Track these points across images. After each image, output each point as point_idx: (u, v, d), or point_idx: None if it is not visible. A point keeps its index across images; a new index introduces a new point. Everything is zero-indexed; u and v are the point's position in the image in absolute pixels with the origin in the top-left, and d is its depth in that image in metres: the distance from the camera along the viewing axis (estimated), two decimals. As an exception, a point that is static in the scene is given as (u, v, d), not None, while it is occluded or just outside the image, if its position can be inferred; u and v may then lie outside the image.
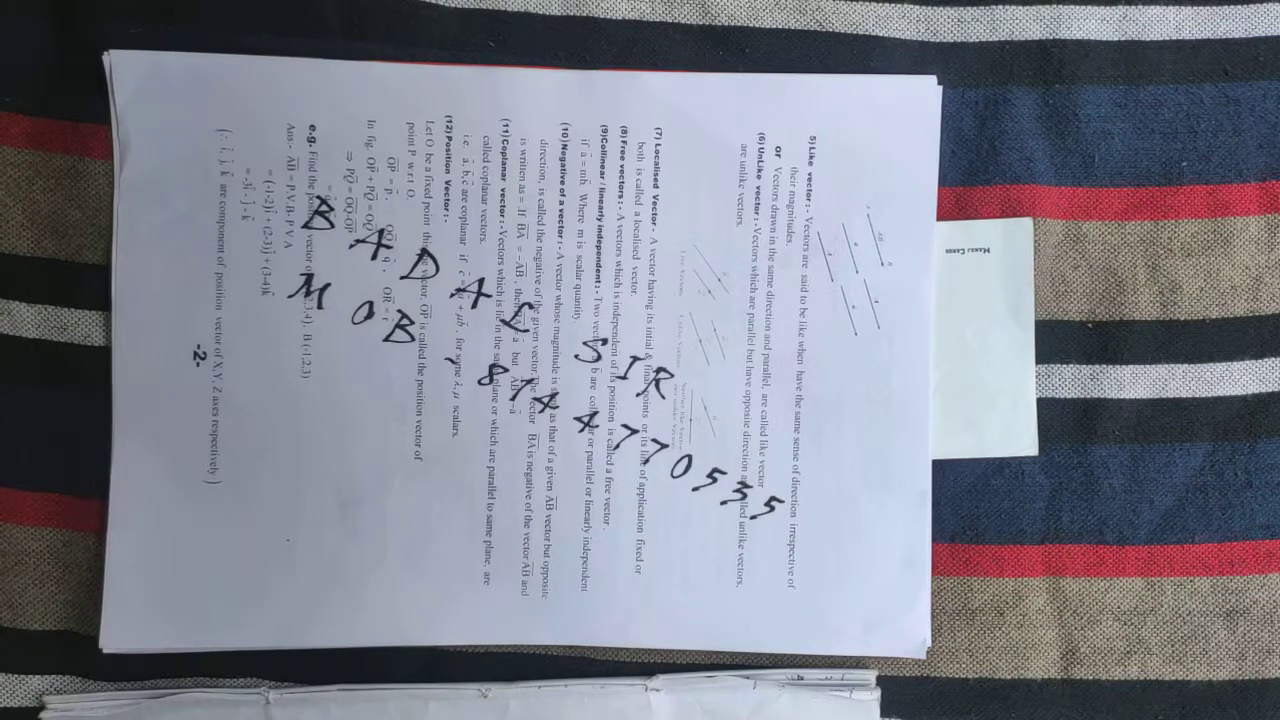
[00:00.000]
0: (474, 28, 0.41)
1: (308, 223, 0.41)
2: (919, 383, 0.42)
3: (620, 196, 0.42)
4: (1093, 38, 0.42)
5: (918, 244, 0.42)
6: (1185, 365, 0.42)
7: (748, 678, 0.42)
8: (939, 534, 0.42)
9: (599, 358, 0.42)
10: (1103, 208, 0.42)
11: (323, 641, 0.41)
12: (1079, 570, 0.43)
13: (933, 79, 0.42)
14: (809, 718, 0.41)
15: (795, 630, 0.42)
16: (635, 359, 0.42)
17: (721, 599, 0.42)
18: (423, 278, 0.41)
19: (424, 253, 0.41)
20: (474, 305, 0.42)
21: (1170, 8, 0.42)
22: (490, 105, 0.41)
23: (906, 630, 0.42)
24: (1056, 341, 0.42)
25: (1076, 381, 0.43)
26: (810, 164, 0.42)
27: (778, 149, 0.42)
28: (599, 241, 0.42)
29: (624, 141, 0.41)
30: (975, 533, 0.43)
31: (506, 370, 0.42)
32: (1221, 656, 0.43)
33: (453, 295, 0.41)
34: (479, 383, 0.42)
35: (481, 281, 0.41)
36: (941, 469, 0.42)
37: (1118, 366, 0.42)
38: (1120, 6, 0.42)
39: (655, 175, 0.42)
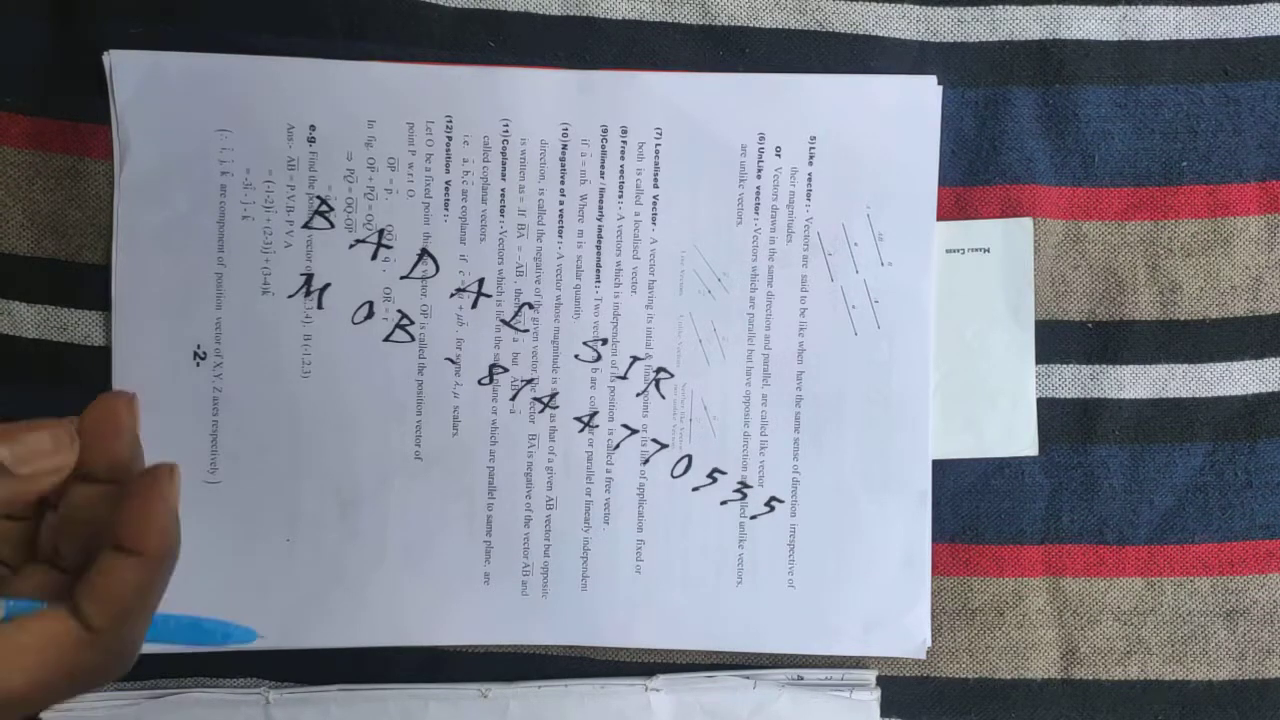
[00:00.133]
0: (474, 28, 0.41)
1: (308, 223, 0.41)
2: (919, 383, 0.42)
3: (620, 196, 0.42)
4: (1093, 38, 0.42)
5: (918, 244, 0.42)
6: (1185, 365, 0.42)
7: (748, 678, 0.42)
8: (939, 534, 0.42)
9: (599, 358, 0.42)
10: (1103, 208, 0.42)
11: (323, 641, 0.41)
12: (1079, 570, 0.43)
13: (933, 79, 0.42)
14: (809, 718, 0.41)
15: (795, 630, 0.42)
16: (635, 359, 0.42)
17: (721, 599, 0.42)
18: (423, 278, 0.41)
19: (424, 253, 0.41)
20: (474, 305, 0.41)
21: (1170, 8, 0.42)
22: (490, 105, 0.41)
23: (906, 630, 0.42)
24: (1056, 341, 0.42)
25: (1076, 381, 0.43)
26: (810, 164, 0.42)
27: (778, 149, 0.41)
28: (599, 241, 0.42)
29: (624, 141, 0.41)
30: (975, 533, 0.43)
31: (506, 370, 0.42)
32: (1221, 656, 0.43)
33: (453, 295, 0.41)
34: (479, 383, 0.42)
35: (481, 281, 0.41)
36: (941, 469, 0.42)
37: (1118, 366, 0.42)
38: (1120, 6, 0.42)
39: (655, 175, 0.41)
